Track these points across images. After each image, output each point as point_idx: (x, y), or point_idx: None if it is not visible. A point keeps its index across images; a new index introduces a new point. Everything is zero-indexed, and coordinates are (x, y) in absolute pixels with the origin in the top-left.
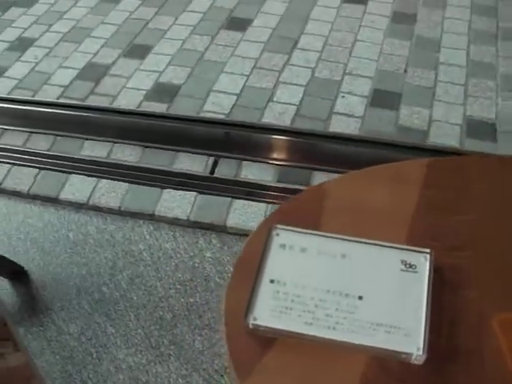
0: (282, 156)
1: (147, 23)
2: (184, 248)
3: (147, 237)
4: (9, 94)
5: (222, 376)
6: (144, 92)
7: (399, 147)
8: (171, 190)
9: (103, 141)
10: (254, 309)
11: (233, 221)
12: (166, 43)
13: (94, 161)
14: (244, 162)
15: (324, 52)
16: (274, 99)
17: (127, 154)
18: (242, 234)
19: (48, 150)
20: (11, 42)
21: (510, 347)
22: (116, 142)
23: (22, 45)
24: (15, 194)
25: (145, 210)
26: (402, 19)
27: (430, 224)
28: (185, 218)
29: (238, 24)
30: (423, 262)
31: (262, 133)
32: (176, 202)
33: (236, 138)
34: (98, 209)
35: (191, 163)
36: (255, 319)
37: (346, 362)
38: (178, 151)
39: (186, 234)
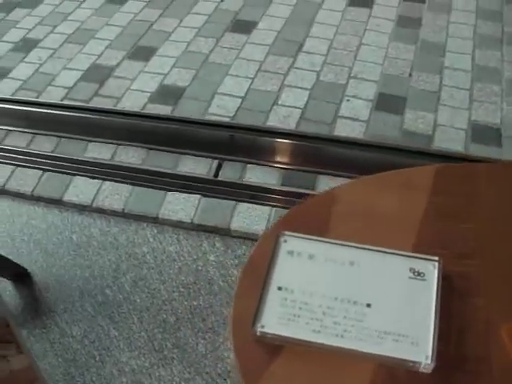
0: (286, 159)
1: (152, 25)
2: (188, 251)
3: (151, 239)
4: (13, 95)
5: (225, 380)
6: (148, 94)
7: (404, 152)
8: (175, 193)
9: (107, 143)
10: (262, 316)
11: (237, 224)
12: (171, 45)
13: (98, 163)
14: (248, 165)
15: (329, 55)
16: (279, 102)
17: (131, 156)
18: (245, 237)
19: (52, 152)
20: (15, 43)
21: None
22: (120, 144)
23: (26, 46)
24: (19, 196)
25: (148, 213)
26: (407, 23)
27: (438, 231)
28: (188, 220)
29: (243, 27)
30: (431, 269)
31: (266, 136)
32: (180, 205)
33: (240, 141)
34: (101, 211)
35: (195, 166)
36: (263, 326)
37: (353, 370)
38: (182, 154)
39: (189, 237)
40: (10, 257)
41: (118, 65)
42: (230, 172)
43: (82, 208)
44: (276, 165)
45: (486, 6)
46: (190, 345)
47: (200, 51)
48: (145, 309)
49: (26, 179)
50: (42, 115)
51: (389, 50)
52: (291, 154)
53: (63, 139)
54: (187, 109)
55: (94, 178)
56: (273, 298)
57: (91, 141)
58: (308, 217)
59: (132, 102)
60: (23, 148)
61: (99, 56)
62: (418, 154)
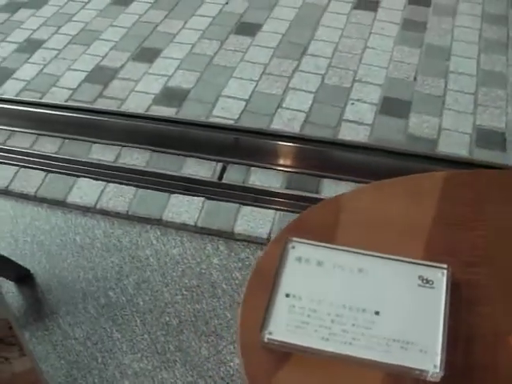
0: (290, 163)
1: (156, 26)
2: (191, 254)
3: (154, 242)
4: (17, 95)
5: (227, 383)
6: (153, 96)
7: (408, 156)
8: (179, 195)
9: (111, 144)
10: (270, 323)
11: (241, 227)
12: (175, 47)
13: (102, 164)
14: (252, 168)
15: (334, 58)
16: (284, 105)
17: (135, 158)
18: (249, 240)
19: (56, 153)
20: (20, 44)
21: None
22: (124, 146)
23: (30, 46)
24: (22, 197)
25: (152, 215)
26: (412, 27)
27: (446, 239)
28: (192, 223)
29: (248, 29)
30: (440, 277)
31: (270, 139)
32: (184, 208)
33: (245, 143)
34: (105, 213)
35: (199, 168)
36: (271, 333)
37: (361, 378)
38: (186, 156)
39: (193, 240)
40: (13, 258)
41: (122, 66)
42: (234, 175)
43: (85, 210)
44: (280, 168)
45: (492, 10)
46: (193, 348)
47: (204, 53)
48: (148, 311)
49: (30, 180)
50: (45, 116)
51: (394, 53)
52: (295, 157)
53: (67, 140)
54: (191, 111)
55: (97, 179)
56: (281, 304)
57: (95, 142)
58: (316, 223)
59: (136, 104)
60: (27, 149)
61: (103, 57)
62: (423, 158)
